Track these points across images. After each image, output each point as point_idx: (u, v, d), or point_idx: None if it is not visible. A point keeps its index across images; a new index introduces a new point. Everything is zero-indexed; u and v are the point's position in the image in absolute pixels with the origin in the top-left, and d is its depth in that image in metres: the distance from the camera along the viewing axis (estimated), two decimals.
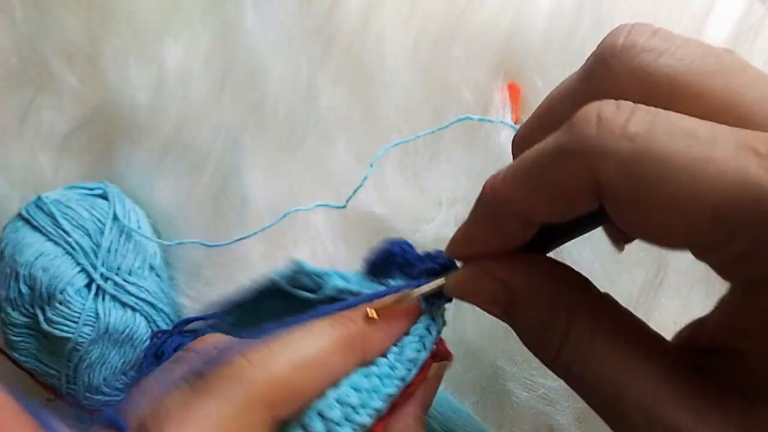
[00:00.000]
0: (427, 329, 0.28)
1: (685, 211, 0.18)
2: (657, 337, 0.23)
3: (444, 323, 0.29)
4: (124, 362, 0.49)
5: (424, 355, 0.27)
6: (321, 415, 0.24)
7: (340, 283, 0.29)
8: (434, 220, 0.51)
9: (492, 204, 0.24)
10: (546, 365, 0.24)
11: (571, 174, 0.20)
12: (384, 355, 0.27)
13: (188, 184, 0.54)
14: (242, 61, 0.54)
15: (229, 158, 0.54)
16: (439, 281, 0.27)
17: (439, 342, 0.30)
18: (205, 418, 0.22)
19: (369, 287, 0.29)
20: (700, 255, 0.20)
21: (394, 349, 0.27)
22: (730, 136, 0.18)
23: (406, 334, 0.27)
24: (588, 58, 0.23)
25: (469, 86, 0.53)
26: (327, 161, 0.53)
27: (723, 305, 0.22)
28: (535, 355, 0.24)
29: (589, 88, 0.23)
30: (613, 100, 0.20)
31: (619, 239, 0.28)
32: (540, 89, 0.52)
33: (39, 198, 0.50)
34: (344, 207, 0.49)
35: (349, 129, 0.54)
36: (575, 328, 0.23)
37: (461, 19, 0.53)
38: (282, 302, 0.32)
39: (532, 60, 0.52)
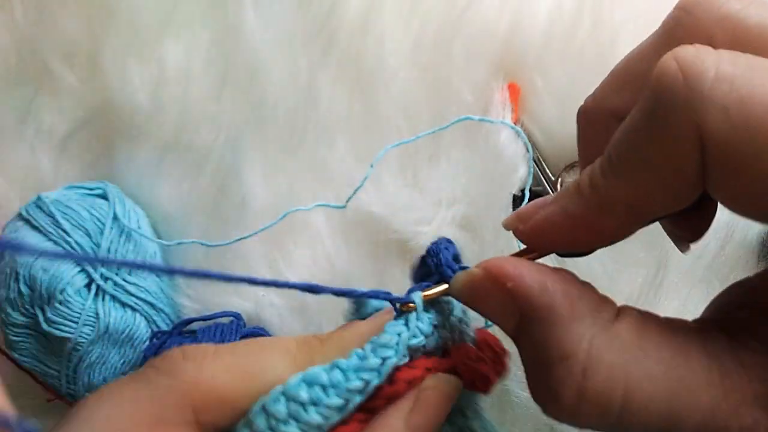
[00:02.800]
0: (398, 335, 0.24)
1: None
2: (683, 327, 0.21)
3: (446, 331, 0.26)
4: (124, 362, 0.49)
5: (391, 362, 0.23)
6: (264, 410, 0.22)
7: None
8: (434, 220, 0.51)
9: (594, 199, 0.20)
10: (558, 407, 0.20)
11: (671, 142, 0.18)
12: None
13: (188, 185, 0.54)
14: (242, 61, 0.54)
15: (229, 158, 0.54)
16: (442, 287, 0.25)
17: (464, 356, 0.26)
18: (119, 396, 0.22)
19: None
20: None
21: (356, 353, 0.24)
22: None
23: (373, 340, 0.24)
24: (670, 12, 0.21)
25: (469, 86, 0.53)
26: (327, 161, 0.53)
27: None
28: (542, 397, 0.21)
29: (671, 40, 0.20)
30: (689, 46, 0.18)
31: (684, 238, 0.26)
32: (540, 89, 0.52)
33: (39, 198, 0.50)
34: (344, 207, 0.49)
35: (349, 129, 0.54)
36: (598, 359, 0.20)
37: (461, 19, 0.53)
38: None
39: (532, 60, 0.52)
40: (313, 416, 0.22)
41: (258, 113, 0.54)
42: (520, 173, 0.51)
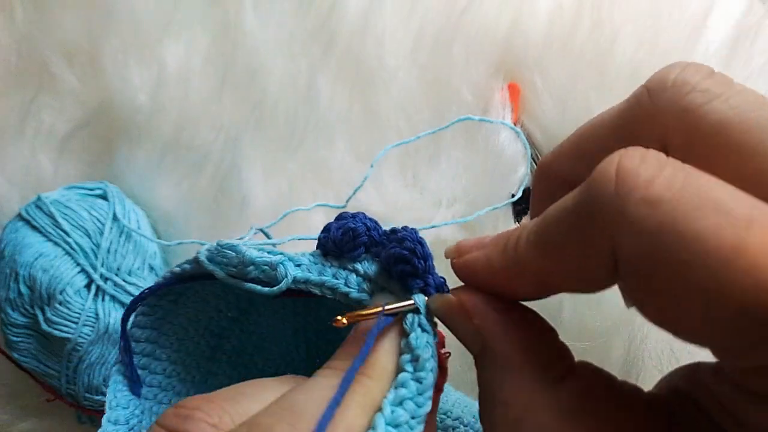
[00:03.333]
0: (428, 342, 0.24)
1: (707, 306, 0.15)
2: (629, 389, 0.22)
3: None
4: None
5: (435, 367, 0.24)
6: None
7: (297, 273, 0.25)
8: (434, 220, 0.51)
9: (513, 260, 0.22)
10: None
11: (587, 241, 0.18)
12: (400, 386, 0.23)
13: (188, 184, 0.54)
14: (242, 61, 0.54)
15: (229, 158, 0.54)
16: (409, 303, 0.25)
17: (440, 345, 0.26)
18: None
19: (331, 274, 0.26)
20: (718, 355, 0.17)
21: (411, 382, 0.23)
22: None
23: (413, 360, 0.23)
24: (635, 91, 0.21)
25: (469, 86, 0.53)
26: (327, 161, 0.53)
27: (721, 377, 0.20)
28: (485, 420, 0.23)
29: (628, 122, 0.21)
30: (638, 150, 0.17)
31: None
32: (540, 89, 0.52)
33: (39, 198, 0.50)
34: (344, 207, 0.49)
35: (349, 129, 0.54)
36: (530, 418, 0.20)
37: (461, 19, 0.53)
38: (217, 286, 0.29)
39: (532, 60, 0.52)
40: None
41: (258, 113, 0.54)
42: (520, 173, 0.51)
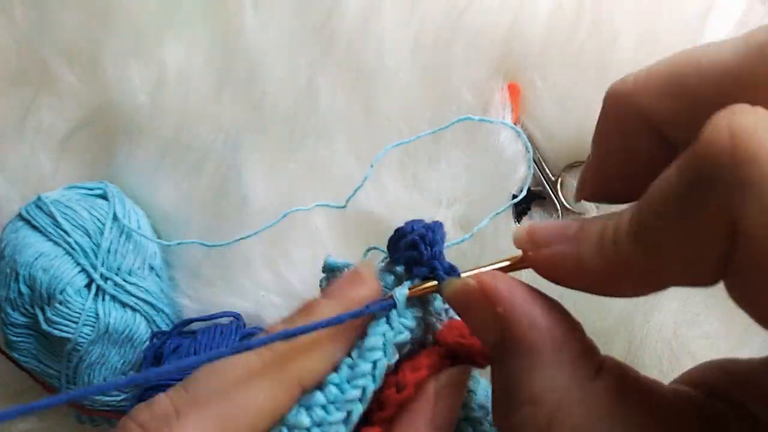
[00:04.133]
0: (383, 335, 0.23)
1: None
2: (662, 393, 0.20)
3: (417, 327, 0.25)
4: (124, 362, 0.49)
5: (382, 363, 0.23)
6: None
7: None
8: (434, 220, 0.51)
9: (614, 260, 0.19)
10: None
11: (702, 224, 0.15)
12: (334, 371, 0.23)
13: (188, 184, 0.54)
14: (242, 61, 0.54)
15: (229, 158, 0.54)
16: (430, 284, 0.24)
17: (457, 335, 0.25)
18: None
19: (382, 278, 0.25)
20: None
21: (346, 362, 0.23)
22: None
23: (359, 345, 0.23)
24: (757, 33, 0.17)
25: (469, 86, 0.53)
26: (327, 161, 0.53)
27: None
28: (504, 423, 0.21)
29: (743, 68, 0.17)
30: (752, 108, 0.15)
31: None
32: (540, 89, 0.52)
33: (39, 198, 0.50)
34: (344, 207, 0.49)
35: (349, 129, 0.54)
36: (564, 417, 0.18)
37: (461, 19, 0.53)
38: None
39: (532, 60, 0.52)
40: None
41: (258, 113, 0.54)
42: (520, 173, 0.51)
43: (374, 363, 0.23)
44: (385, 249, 0.27)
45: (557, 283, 0.21)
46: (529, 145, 0.50)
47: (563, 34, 0.51)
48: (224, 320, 0.50)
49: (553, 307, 0.21)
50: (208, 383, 0.21)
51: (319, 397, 0.22)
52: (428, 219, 0.29)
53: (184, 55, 0.55)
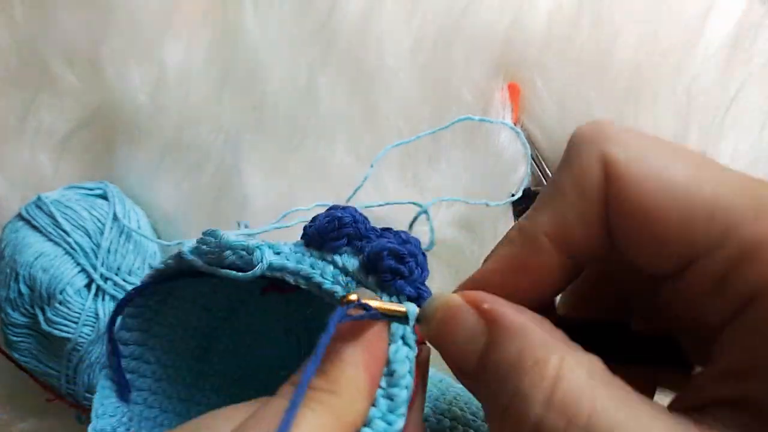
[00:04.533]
0: (407, 357, 0.23)
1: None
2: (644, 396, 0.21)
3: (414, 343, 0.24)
4: None
5: (410, 383, 0.22)
6: None
7: (275, 259, 0.24)
8: (434, 220, 0.51)
9: (519, 241, 0.22)
10: (524, 418, 0.19)
11: (579, 170, 0.21)
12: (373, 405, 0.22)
13: (188, 184, 0.54)
14: (242, 61, 0.54)
15: (229, 158, 0.54)
16: (400, 307, 0.23)
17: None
18: None
19: (309, 264, 0.24)
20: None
21: (380, 393, 0.22)
22: None
23: (387, 374, 0.23)
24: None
25: (469, 86, 0.53)
26: (327, 161, 0.53)
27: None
28: (492, 426, 0.21)
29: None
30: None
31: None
32: (540, 89, 0.52)
33: (39, 198, 0.50)
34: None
35: (349, 129, 0.54)
36: (570, 368, 0.19)
37: (461, 19, 0.53)
38: (205, 284, 0.28)
39: (532, 60, 0.52)
40: None
41: (258, 113, 0.54)
42: (520, 173, 0.51)
43: (407, 388, 0.22)
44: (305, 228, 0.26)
45: (501, 295, 0.23)
46: (528, 145, 0.50)
47: (563, 34, 0.51)
48: None
49: (539, 314, 0.22)
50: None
51: None
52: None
53: (184, 55, 0.55)
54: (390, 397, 0.22)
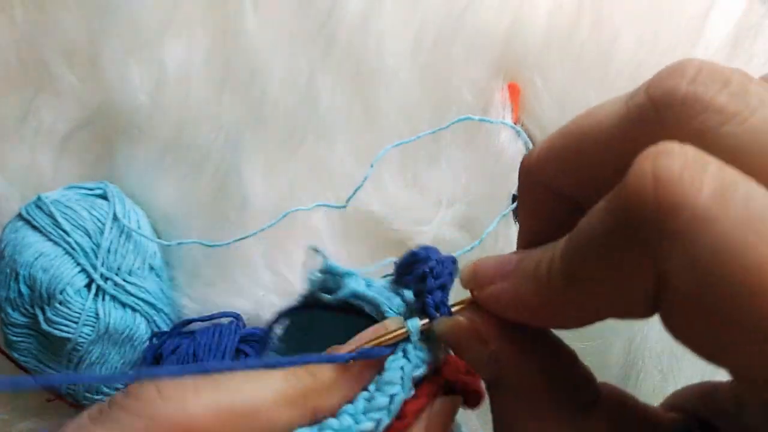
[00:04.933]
0: (402, 368, 0.23)
1: (758, 339, 0.14)
2: (654, 416, 0.21)
3: (429, 355, 0.25)
4: (124, 362, 0.49)
5: (399, 398, 0.23)
6: None
7: (359, 288, 0.25)
8: (434, 220, 0.51)
9: (546, 295, 0.19)
10: None
11: (626, 267, 0.16)
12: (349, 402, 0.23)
13: (188, 184, 0.54)
14: (242, 61, 0.54)
15: (229, 158, 0.54)
16: (398, 332, 0.24)
17: (453, 369, 0.25)
18: None
19: (388, 298, 0.26)
20: (745, 384, 0.16)
21: (363, 395, 0.23)
22: None
23: (377, 379, 0.24)
24: (636, 94, 0.18)
25: (469, 86, 0.53)
26: (327, 161, 0.53)
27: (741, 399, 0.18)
28: None
29: (631, 137, 0.18)
30: (676, 147, 0.15)
31: None
32: (540, 89, 0.52)
33: (39, 198, 0.50)
34: (344, 207, 0.49)
35: (349, 129, 0.54)
36: None
37: (461, 19, 0.53)
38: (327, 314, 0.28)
39: (532, 60, 0.52)
40: None
41: (258, 113, 0.54)
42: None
43: (391, 397, 0.23)
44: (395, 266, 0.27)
45: (505, 318, 0.22)
46: (529, 144, 0.50)
47: (563, 34, 0.51)
48: (224, 320, 0.50)
49: (547, 341, 0.22)
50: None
51: (332, 422, 0.22)
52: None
53: (184, 55, 0.55)
54: (369, 399, 0.23)
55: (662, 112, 0.17)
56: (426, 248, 0.26)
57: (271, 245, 0.52)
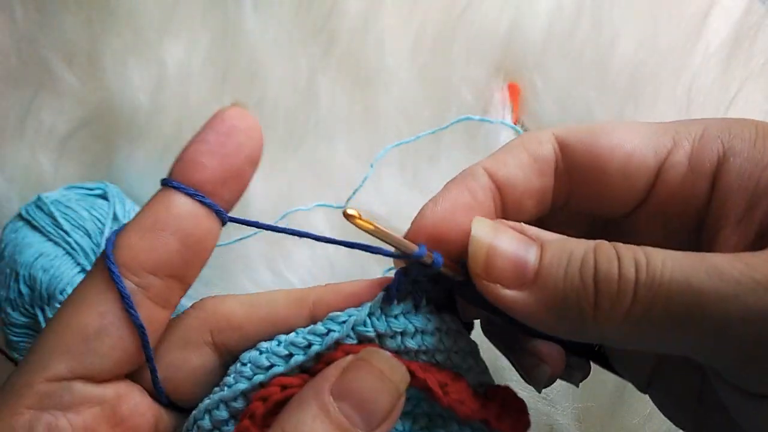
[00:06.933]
0: (350, 316, 0.27)
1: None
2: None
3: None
4: None
5: (316, 347, 0.27)
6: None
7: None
8: None
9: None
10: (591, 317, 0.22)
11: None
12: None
13: None
14: (242, 61, 0.54)
15: None
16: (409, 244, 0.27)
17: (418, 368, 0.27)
18: None
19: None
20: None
21: (298, 329, 0.28)
22: None
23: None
24: None
25: (469, 86, 0.53)
26: (327, 161, 0.53)
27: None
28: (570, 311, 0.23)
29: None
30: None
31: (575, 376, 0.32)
32: (540, 89, 0.52)
33: (39, 198, 0.50)
34: (344, 207, 0.49)
35: (349, 129, 0.54)
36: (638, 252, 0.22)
37: (461, 19, 0.53)
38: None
39: (532, 60, 0.52)
40: (262, 359, 0.27)
41: (258, 113, 0.54)
42: None
43: (328, 331, 0.27)
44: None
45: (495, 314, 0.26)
46: None
47: (563, 34, 0.51)
48: None
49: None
50: None
51: (280, 335, 0.28)
52: None
53: (184, 55, 0.55)
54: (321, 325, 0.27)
55: None
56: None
57: (271, 245, 0.52)
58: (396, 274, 0.28)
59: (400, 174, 0.53)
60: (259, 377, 0.26)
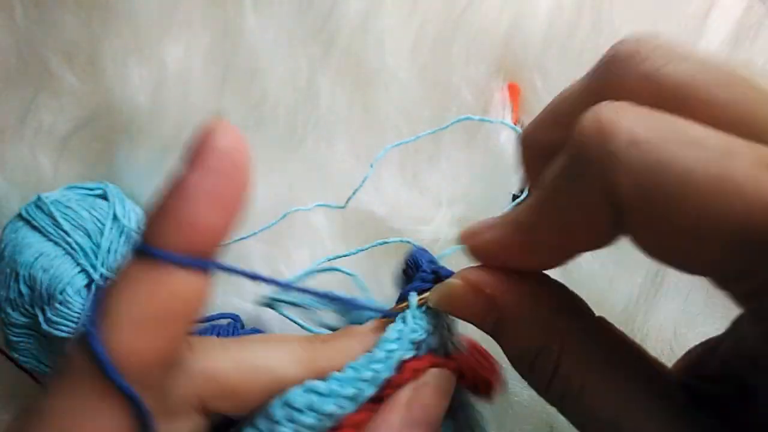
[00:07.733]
0: (399, 330, 0.26)
1: (703, 235, 0.16)
2: (655, 365, 0.23)
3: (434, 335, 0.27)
4: None
5: (397, 354, 0.25)
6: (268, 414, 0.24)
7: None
8: (434, 220, 0.51)
9: (523, 232, 0.22)
10: (536, 391, 0.23)
11: (583, 193, 0.18)
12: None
13: None
14: (242, 61, 0.54)
15: None
16: (403, 305, 0.27)
17: (458, 356, 0.27)
18: None
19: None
20: (720, 285, 0.18)
21: (365, 355, 0.25)
22: (748, 150, 0.16)
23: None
24: (595, 65, 0.22)
25: (469, 86, 0.53)
26: (327, 161, 0.53)
27: (738, 329, 0.20)
28: (525, 380, 0.23)
29: (595, 90, 0.22)
30: (612, 102, 0.18)
31: None
32: (540, 89, 0.52)
33: (39, 198, 0.50)
34: (344, 207, 0.49)
35: (349, 129, 0.54)
36: (567, 357, 0.21)
37: (461, 19, 0.53)
38: None
39: (532, 60, 0.52)
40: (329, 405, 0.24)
41: (258, 113, 0.54)
42: (520, 173, 0.51)
43: (388, 352, 0.25)
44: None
45: (489, 264, 0.24)
46: None
47: (563, 34, 0.51)
48: (222, 321, 0.50)
49: (538, 278, 0.24)
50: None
51: (337, 374, 0.24)
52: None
53: (184, 55, 0.55)
54: (370, 356, 0.25)
55: (614, 65, 0.21)
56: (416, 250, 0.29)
57: (271, 245, 0.52)
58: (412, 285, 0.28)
59: (400, 174, 0.53)
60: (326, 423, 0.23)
